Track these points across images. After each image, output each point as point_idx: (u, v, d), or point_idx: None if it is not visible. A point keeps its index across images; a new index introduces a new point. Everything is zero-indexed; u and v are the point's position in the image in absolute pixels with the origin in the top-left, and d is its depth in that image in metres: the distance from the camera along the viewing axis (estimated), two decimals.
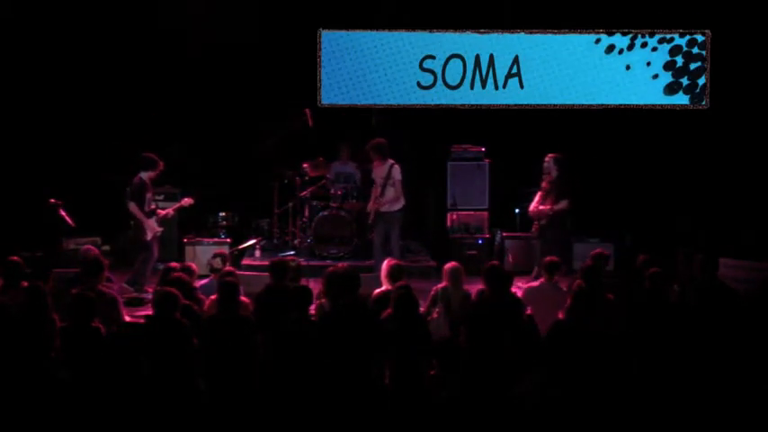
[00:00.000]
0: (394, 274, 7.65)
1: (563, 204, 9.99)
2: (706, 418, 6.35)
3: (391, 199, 10.52)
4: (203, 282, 8.39)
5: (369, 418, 6.30)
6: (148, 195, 10.06)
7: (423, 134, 12.59)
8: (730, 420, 6.35)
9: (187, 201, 10.42)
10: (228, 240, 11.69)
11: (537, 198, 10.23)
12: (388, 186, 10.51)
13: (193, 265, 8.44)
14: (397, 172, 10.52)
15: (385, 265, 7.92)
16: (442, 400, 6.49)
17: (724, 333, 6.86)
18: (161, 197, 11.27)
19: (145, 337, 6.55)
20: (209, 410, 6.34)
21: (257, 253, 11.72)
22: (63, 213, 10.52)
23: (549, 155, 10.19)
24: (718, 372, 6.62)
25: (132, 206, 9.95)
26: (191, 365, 6.43)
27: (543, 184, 10.18)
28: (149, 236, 9.99)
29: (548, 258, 8.44)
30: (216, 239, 11.73)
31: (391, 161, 10.58)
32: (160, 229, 10.18)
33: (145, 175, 10.02)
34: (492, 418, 6.30)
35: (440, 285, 7.78)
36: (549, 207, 10.01)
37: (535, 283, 8.26)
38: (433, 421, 6.33)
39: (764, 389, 6.55)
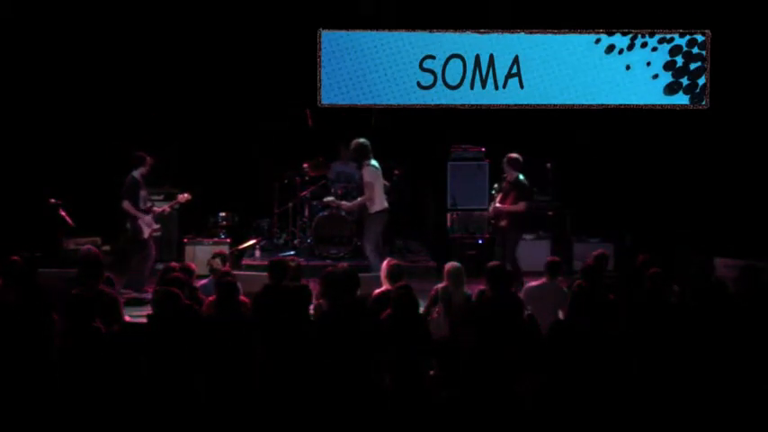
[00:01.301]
0: (394, 274, 7.64)
1: (519, 207, 9.96)
2: (706, 418, 6.35)
3: (365, 200, 10.15)
4: (203, 282, 8.39)
5: (369, 419, 6.30)
6: (143, 193, 10.04)
7: (423, 134, 12.59)
8: (730, 420, 6.35)
9: (183, 196, 10.39)
10: (228, 240, 11.69)
11: (498, 198, 10.22)
12: (365, 189, 10.23)
13: (193, 265, 8.44)
14: (366, 173, 10.11)
15: (385, 264, 7.90)
16: (442, 400, 6.48)
17: (723, 333, 6.85)
18: (161, 197, 11.27)
19: (145, 337, 6.55)
20: (208, 410, 6.34)
21: (257, 253, 11.72)
22: (63, 213, 10.52)
23: (508, 155, 10.14)
24: (718, 372, 6.61)
25: (126, 204, 9.89)
26: (190, 365, 6.42)
27: (504, 184, 10.17)
28: (146, 233, 9.96)
29: (549, 258, 8.46)
30: (216, 239, 11.72)
31: (366, 163, 10.17)
32: (157, 227, 10.15)
33: (137, 173, 9.99)
34: (492, 417, 6.30)
35: (440, 285, 7.77)
36: (506, 206, 9.99)
37: (535, 283, 8.26)
38: (433, 421, 6.32)
39: (764, 389, 6.55)
